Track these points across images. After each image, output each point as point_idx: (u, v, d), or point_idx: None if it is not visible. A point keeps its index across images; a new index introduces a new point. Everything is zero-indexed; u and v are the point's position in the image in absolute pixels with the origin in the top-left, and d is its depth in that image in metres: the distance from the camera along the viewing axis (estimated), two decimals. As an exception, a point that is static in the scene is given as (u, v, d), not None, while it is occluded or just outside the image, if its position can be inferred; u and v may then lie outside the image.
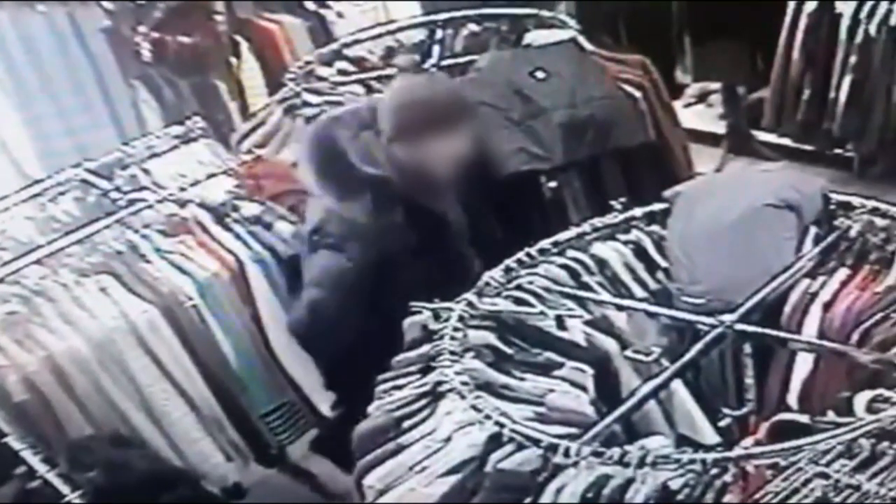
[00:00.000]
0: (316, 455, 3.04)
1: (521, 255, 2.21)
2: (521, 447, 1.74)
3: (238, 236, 2.73)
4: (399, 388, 1.95)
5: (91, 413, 2.45)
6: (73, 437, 2.38)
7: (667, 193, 2.36)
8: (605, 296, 2.16)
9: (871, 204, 2.21)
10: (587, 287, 2.18)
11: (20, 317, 2.47)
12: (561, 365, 1.94)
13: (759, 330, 2.01)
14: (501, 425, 1.77)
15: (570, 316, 2.06)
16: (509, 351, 1.99)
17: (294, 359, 2.71)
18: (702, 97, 4.74)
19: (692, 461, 1.65)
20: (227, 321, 2.64)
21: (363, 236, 2.04)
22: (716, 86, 4.59)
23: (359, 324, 2.10)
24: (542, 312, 2.05)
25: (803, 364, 2.07)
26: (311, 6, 4.47)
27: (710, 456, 1.66)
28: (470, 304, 2.08)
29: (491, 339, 2.01)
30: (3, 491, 2.06)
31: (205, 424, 2.59)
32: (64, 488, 2.00)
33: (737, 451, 1.69)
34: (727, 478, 1.63)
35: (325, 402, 2.77)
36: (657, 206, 2.34)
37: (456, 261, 2.22)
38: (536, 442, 1.73)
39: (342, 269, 2.03)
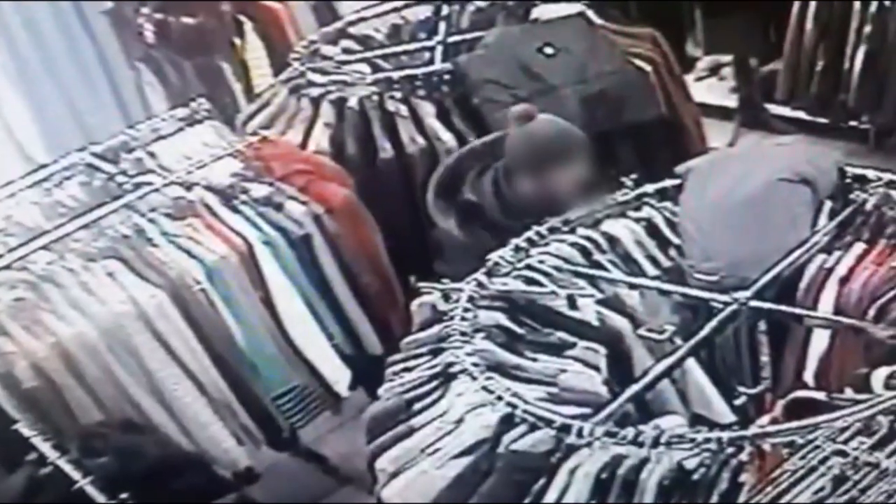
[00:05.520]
0: (329, 437, 3.04)
1: (530, 233, 2.18)
2: (533, 428, 1.72)
3: (247, 218, 2.71)
4: (409, 369, 1.94)
5: (101, 399, 2.45)
6: (84, 423, 2.39)
7: (679, 169, 2.33)
8: (617, 274, 2.14)
9: (888, 177, 2.18)
10: (599, 265, 2.15)
11: (28, 303, 2.47)
12: (573, 345, 1.92)
13: (775, 306, 1.98)
14: (514, 406, 1.75)
15: (582, 295, 2.03)
16: (520, 331, 1.98)
17: (309, 339, 2.70)
18: (713, 70, 4.68)
19: (707, 440, 1.63)
20: (236, 304, 2.63)
21: (457, 246, 2.40)
22: (727, 58, 4.53)
23: None
24: (553, 292, 2.03)
25: (819, 340, 2.04)
26: (314, -17, 4.44)
27: (726, 435, 1.64)
28: (480, 284, 2.06)
29: (502, 319, 1.99)
30: (14, 478, 2.07)
31: (215, 408, 2.59)
32: (75, 474, 2.00)
33: (753, 430, 1.67)
34: (743, 457, 1.61)
35: (341, 382, 2.76)
36: (669, 182, 2.31)
37: None
38: (549, 422, 1.71)
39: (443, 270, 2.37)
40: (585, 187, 2.37)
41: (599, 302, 2.04)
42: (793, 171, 2.17)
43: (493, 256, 2.13)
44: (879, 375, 1.73)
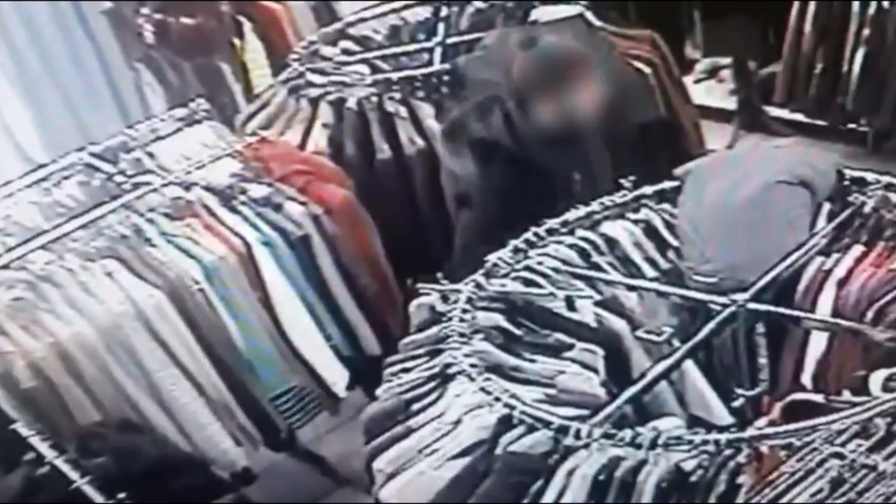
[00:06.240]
0: (327, 438, 3.04)
1: (529, 235, 2.18)
2: (531, 429, 1.72)
3: (245, 219, 2.71)
4: (408, 370, 1.94)
5: (99, 399, 2.45)
6: (82, 423, 2.38)
7: (678, 171, 2.33)
8: (615, 276, 2.14)
9: (886, 179, 2.18)
10: (597, 267, 2.15)
11: (26, 302, 2.47)
12: (571, 346, 1.92)
13: (773, 309, 1.98)
14: (511, 407, 1.75)
15: (580, 297, 2.03)
16: (519, 332, 1.98)
17: (308, 340, 2.70)
18: (712, 73, 4.68)
19: (705, 442, 1.63)
20: (234, 305, 2.63)
21: (472, 186, 2.23)
22: (726, 61, 4.53)
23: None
24: (551, 293, 2.03)
25: (817, 343, 2.04)
26: (314, -15, 4.44)
27: (724, 437, 1.64)
28: (478, 285, 2.06)
29: (500, 320, 1.99)
30: (12, 477, 2.06)
31: (213, 409, 2.59)
32: (73, 474, 1.99)
33: (750, 432, 1.67)
34: (741, 458, 1.61)
35: (339, 382, 2.76)
36: (668, 184, 2.31)
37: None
38: (547, 424, 1.72)
39: (466, 216, 2.26)
40: (604, 108, 2.21)
41: (598, 303, 2.04)
42: (791, 173, 2.17)
43: (492, 258, 2.13)
44: (877, 378, 1.73)
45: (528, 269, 2.11)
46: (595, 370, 1.88)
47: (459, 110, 2.45)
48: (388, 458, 1.82)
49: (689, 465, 1.62)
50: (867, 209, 2.14)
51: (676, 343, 1.94)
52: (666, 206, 2.28)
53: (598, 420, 1.72)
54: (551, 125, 2.21)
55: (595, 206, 2.26)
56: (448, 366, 1.88)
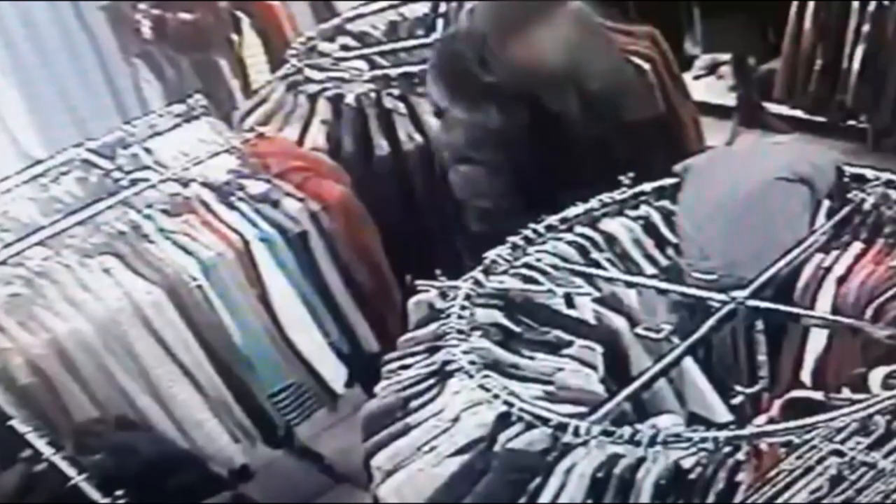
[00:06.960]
0: (324, 435, 3.04)
1: (527, 231, 2.18)
2: (530, 426, 1.72)
3: (243, 215, 2.71)
4: (406, 367, 1.94)
5: (96, 395, 2.44)
6: (79, 419, 2.38)
7: (677, 167, 2.33)
8: (614, 273, 2.14)
9: (886, 176, 2.18)
10: (596, 264, 2.15)
11: (24, 299, 2.46)
12: (570, 343, 1.91)
13: (772, 306, 1.98)
14: (510, 405, 1.75)
15: (579, 293, 2.03)
16: (517, 329, 1.98)
17: (306, 337, 2.69)
18: (712, 69, 4.67)
19: (704, 440, 1.63)
20: (232, 301, 2.63)
21: (493, 142, 2.20)
22: (726, 57, 4.52)
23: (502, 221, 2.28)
24: (550, 290, 2.03)
25: (817, 340, 2.04)
26: (312, -19, 4.44)
27: (723, 434, 1.64)
28: (477, 282, 2.06)
29: (499, 317, 1.99)
30: (9, 474, 2.06)
31: (211, 406, 2.58)
32: (70, 471, 1.99)
33: (750, 429, 1.67)
34: (740, 456, 1.61)
35: (337, 379, 2.76)
36: (667, 181, 2.30)
37: (578, 152, 2.36)
38: (546, 421, 1.71)
39: (478, 176, 2.22)
40: (577, 51, 2.20)
41: (597, 300, 2.04)
42: (791, 170, 2.17)
43: (491, 254, 2.13)
44: (877, 375, 1.73)
45: (526, 265, 2.11)
46: (594, 367, 1.88)
47: (442, 48, 2.40)
48: (386, 455, 1.82)
49: (688, 463, 1.62)
50: (867, 206, 2.14)
51: (675, 340, 1.94)
52: (665, 202, 2.28)
53: (596, 417, 1.72)
54: (522, 66, 2.18)
55: (594, 202, 2.25)
56: (447, 363, 1.87)
